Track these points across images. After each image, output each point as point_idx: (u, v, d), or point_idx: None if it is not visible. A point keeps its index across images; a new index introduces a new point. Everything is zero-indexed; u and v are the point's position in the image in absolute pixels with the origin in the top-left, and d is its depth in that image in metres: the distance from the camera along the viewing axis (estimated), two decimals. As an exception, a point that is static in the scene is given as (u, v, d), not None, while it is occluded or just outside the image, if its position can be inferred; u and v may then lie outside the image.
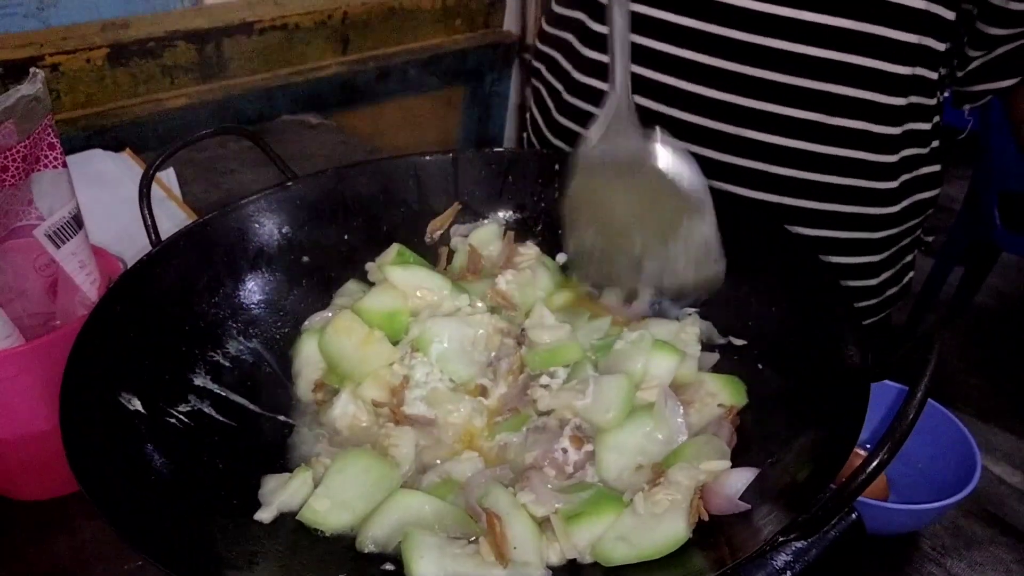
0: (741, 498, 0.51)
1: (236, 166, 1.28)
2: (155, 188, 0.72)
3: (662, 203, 0.60)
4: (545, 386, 0.62)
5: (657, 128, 0.59)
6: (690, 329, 0.66)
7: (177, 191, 1.14)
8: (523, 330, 0.67)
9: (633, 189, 0.62)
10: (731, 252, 0.62)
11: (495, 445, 0.61)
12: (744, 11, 0.77)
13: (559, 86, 0.97)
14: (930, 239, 1.01)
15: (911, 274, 1.01)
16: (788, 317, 0.61)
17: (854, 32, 0.76)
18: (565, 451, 0.57)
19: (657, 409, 0.58)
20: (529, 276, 0.70)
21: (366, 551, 0.53)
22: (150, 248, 0.64)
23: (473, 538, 0.52)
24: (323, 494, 0.55)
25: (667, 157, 0.59)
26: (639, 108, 0.83)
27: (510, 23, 1.86)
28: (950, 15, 0.77)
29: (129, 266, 0.63)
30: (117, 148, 1.25)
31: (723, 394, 0.61)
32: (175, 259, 0.64)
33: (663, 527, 0.50)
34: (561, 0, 0.95)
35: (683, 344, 0.64)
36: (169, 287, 0.63)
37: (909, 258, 0.99)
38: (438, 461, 0.60)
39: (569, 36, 0.93)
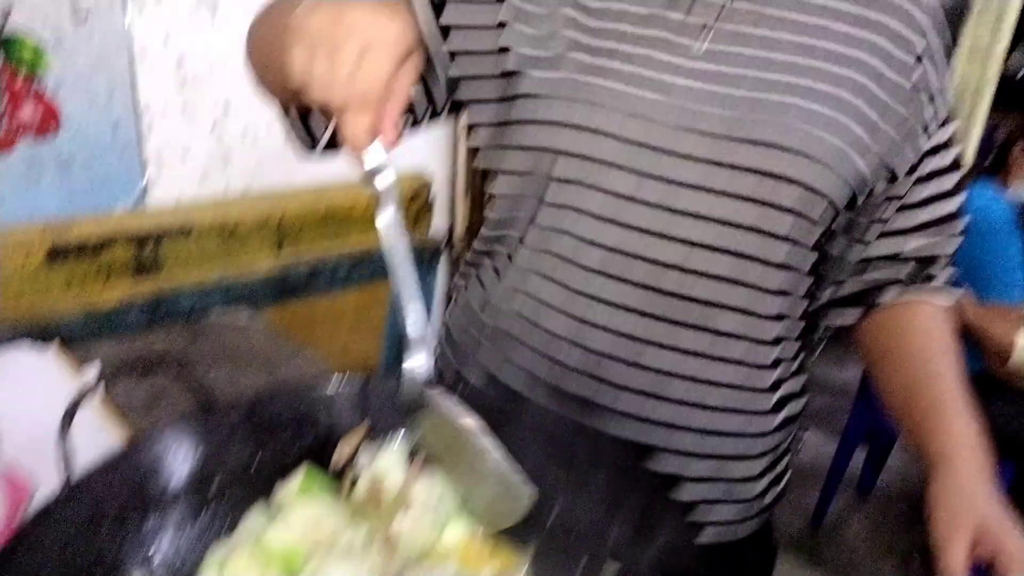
0: None
1: (161, 366, 1.32)
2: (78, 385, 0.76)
3: (452, 450, 0.69)
4: None
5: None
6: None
7: (101, 389, 1.17)
8: None
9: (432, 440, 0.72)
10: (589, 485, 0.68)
11: None
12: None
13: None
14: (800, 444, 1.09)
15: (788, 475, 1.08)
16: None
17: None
18: None
19: None
20: (426, 519, 0.74)
21: None
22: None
23: None
24: None
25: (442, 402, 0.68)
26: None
27: (440, 221, 2.01)
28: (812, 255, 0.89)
29: (35, 494, 0.66)
30: (46, 340, 1.28)
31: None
32: (84, 498, 0.67)
33: None
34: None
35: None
36: (75, 527, 0.65)
37: (785, 461, 1.05)
38: None
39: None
